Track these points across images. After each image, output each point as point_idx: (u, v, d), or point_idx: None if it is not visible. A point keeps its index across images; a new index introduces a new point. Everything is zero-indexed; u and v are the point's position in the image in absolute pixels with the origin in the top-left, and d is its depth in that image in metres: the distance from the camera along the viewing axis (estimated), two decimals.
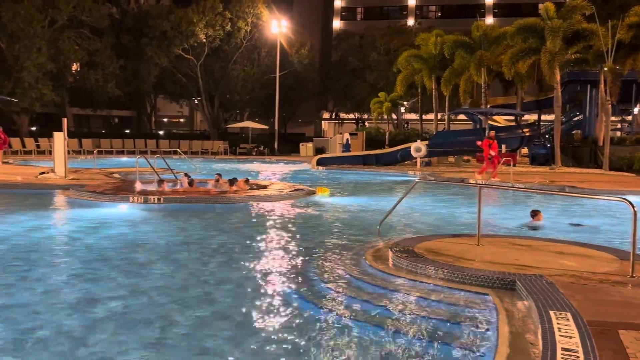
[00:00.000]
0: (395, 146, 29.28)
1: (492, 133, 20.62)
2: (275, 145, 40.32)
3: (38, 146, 33.05)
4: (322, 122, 64.73)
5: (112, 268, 7.10)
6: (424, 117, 40.59)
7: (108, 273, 6.86)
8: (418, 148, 25.76)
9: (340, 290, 6.12)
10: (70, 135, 24.63)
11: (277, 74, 39.73)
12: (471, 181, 18.13)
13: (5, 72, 34.53)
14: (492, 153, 19.40)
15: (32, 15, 33.72)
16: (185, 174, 15.49)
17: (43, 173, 17.25)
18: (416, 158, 26.27)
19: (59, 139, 17.31)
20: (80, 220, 10.97)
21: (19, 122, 37.73)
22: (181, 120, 70.17)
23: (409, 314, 5.34)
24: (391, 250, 7.30)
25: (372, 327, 5.04)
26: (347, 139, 33.14)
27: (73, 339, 4.70)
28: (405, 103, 44.35)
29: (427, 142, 26.96)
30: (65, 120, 17.89)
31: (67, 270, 7.04)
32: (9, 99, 30.04)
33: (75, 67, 39.96)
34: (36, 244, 8.59)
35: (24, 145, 32.93)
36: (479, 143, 20.27)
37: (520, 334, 4.61)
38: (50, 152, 24.92)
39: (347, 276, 6.62)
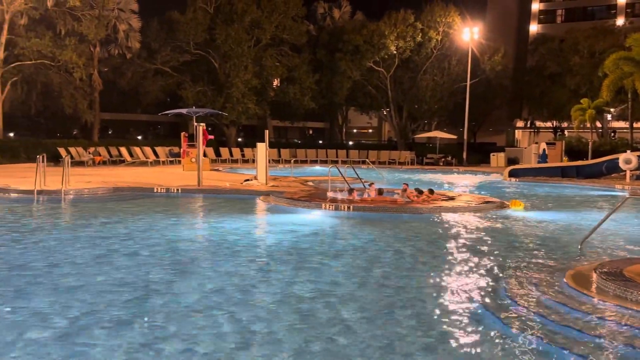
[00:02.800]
0: (599, 157, 26.71)
1: None
2: (464, 155, 39.27)
3: (243, 155, 36.31)
4: (515, 131, 61.52)
5: (310, 266, 7.75)
6: (634, 125, 36.42)
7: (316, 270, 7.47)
8: (628, 160, 23.17)
9: (538, 312, 5.72)
10: (271, 145, 26.76)
11: (468, 82, 38.72)
12: None
13: (218, 89, 38.79)
14: None
15: (241, 37, 37.36)
16: (371, 184, 15.84)
17: (247, 180, 18.95)
18: (625, 171, 23.69)
19: (262, 149, 18.94)
20: (283, 224, 11.76)
21: (228, 133, 41.98)
22: (369, 131, 71.89)
23: (620, 345, 4.82)
24: (596, 273, 6.66)
25: (575, 357, 4.65)
26: (544, 149, 31.02)
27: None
28: (612, 110, 40.20)
29: (638, 153, 24.13)
30: (267, 132, 19.53)
31: (290, 264, 7.82)
32: (220, 112, 33.70)
33: (276, 82, 43.17)
34: (252, 242, 9.52)
35: (231, 154, 36.51)
36: None
37: None
38: (253, 161, 27.28)
39: (544, 298, 6.17)
